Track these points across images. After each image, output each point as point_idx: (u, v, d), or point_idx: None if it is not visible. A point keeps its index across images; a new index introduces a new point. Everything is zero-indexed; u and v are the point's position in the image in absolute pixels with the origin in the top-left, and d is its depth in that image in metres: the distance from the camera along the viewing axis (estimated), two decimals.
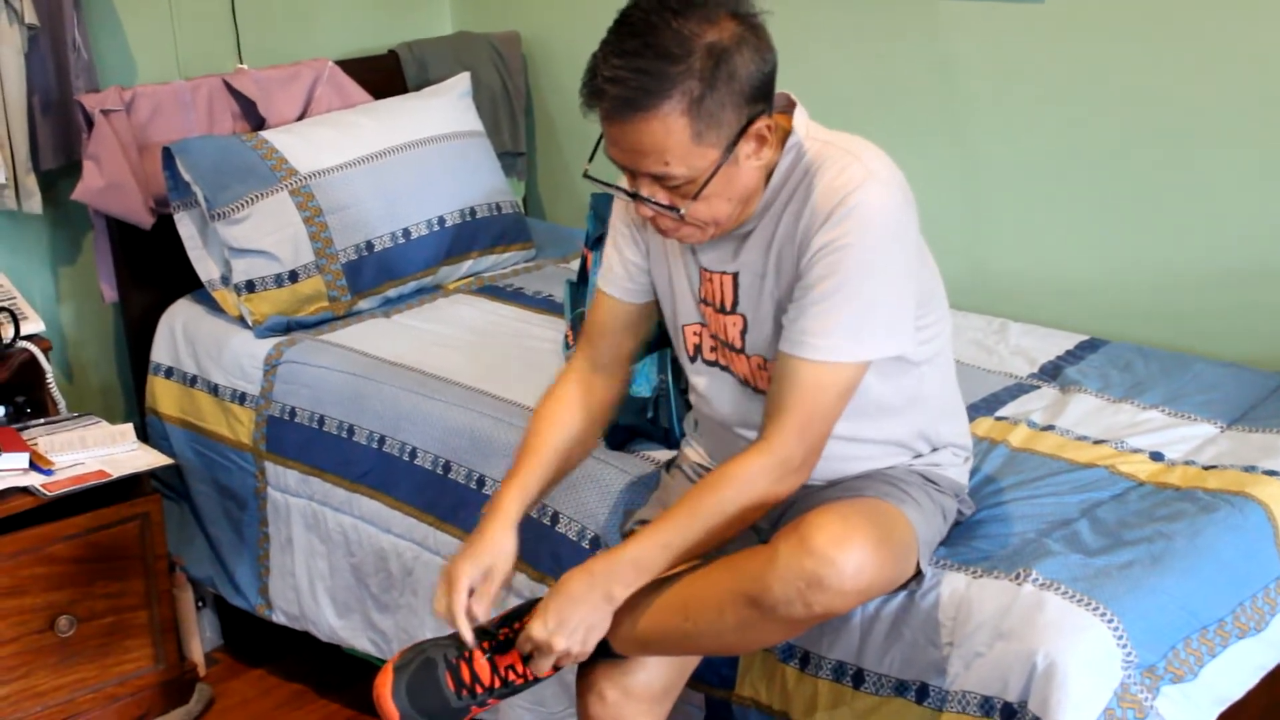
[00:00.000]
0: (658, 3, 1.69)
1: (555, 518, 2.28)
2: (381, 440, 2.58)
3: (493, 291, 3.10)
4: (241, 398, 2.83)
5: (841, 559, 1.68)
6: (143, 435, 2.91)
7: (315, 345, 2.81)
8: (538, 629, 1.81)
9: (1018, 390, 2.50)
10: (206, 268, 2.95)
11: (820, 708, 1.95)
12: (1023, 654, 1.77)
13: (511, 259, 3.26)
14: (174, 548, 2.90)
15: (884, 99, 3.02)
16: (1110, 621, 1.78)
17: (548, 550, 2.28)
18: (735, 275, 1.88)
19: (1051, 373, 2.58)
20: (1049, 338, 2.73)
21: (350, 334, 2.86)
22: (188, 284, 3.04)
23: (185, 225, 2.94)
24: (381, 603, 2.61)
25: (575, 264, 3.19)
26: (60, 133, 2.97)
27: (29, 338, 2.76)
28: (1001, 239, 2.93)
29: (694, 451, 2.11)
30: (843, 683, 1.93)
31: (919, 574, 1.89)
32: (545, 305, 2.99)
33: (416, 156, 3.12)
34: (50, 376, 2.78)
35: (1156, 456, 2.24)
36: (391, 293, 3.03)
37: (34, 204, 2.89)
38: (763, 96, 1.73)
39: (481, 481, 2.42)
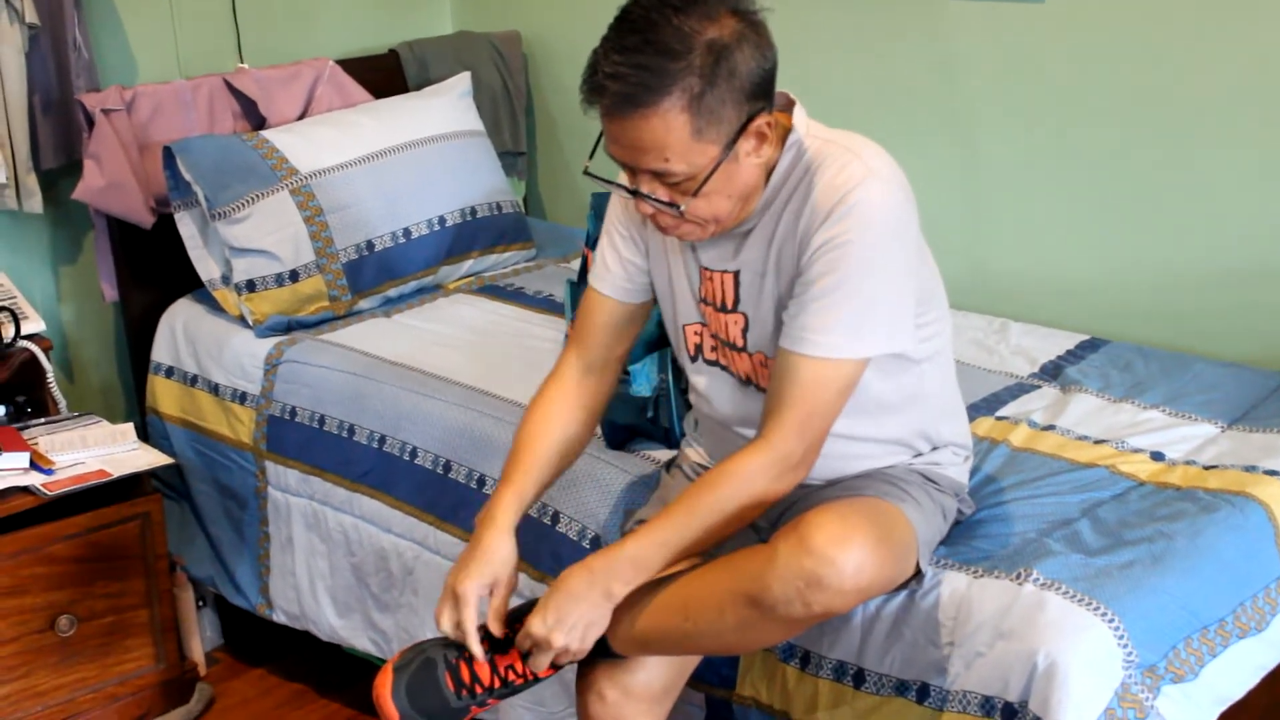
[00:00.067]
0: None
1: (556, 517, 2.28)
2: (382, 440, 2.58)
3: (493, 291, 3.10)
4: (242, 397, 2.82)
5: (841, 558, 1.68)
6: (143, 435, 2.91)
7: (316, 345, 2.81)
8: (537, 625, 1.81)
9: (1018, 390, 2.50)
10: (207, 267, 2.95)
11: (821, 707, 1.95)
12: (1023, 654, 1.77)
13: (512, 258, 3.26)
14: (174, 547, 2.90)
15: (884, 98, 3.01)
16: (1111, 621, 1.78)
17: (548, 550, 2.28)
18: (736, 274, 1.88)
19: (1052, 372, 2.58)
20: (1049, 337, 2.73)
21: (351, 333, 2.86)
22: (188, 283, 3.04)
23: (186, 225, 2.94)
24: (382, 602, 2.61)
25: (576, 263, 3.19)
26: (61, 132, 2.97)
27: (29, 337, 2.76)
28: (1002, 239, 2.93)
29: (694, 451, 2.11)
30: (843, 682, 1.93)
31: (919, 573, 1.89)
32: (546, 305, 2.98)
33: (417, 156, 3.11)
34: (51, 376, 2.78)
35: (1157, 456, 2.24)
36: (392, 292, 3.03)
37: (35, 203, 2.89)
38: (763, 94, 1.73)
39: (482, 481, 2.41)
